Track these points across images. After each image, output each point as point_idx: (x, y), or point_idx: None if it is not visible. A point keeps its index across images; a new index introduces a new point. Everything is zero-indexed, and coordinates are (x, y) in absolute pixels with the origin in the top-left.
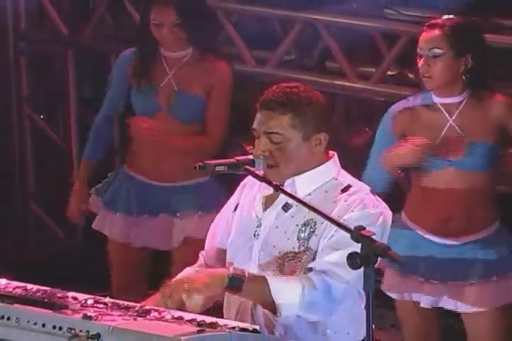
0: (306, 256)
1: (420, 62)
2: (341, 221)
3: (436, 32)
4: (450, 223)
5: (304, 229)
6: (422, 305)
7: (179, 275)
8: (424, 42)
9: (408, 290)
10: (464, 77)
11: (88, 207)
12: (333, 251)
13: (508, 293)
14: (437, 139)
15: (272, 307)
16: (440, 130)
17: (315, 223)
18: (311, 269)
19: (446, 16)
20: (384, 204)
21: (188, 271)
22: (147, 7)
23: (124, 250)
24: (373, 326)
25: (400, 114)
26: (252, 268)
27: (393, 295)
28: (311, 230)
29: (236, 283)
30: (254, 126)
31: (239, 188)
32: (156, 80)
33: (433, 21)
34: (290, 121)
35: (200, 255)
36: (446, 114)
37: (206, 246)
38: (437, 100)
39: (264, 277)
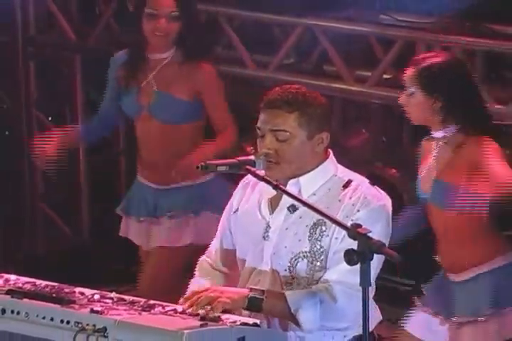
0: (318, 255)
1: (401, 97)
2: (339, 218)
3: (411, 70)
4: (447, 258)
5: (314, 229)
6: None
7: (195, 285)
8: (404, 80)
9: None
10: (438, 116)
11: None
12: None
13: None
14: (423, 170)
15: (295, 321)
16: (428, 162)
17: (325, 223)
18: (327, 279)
19: (429, 54)
20: (384, 194)
21: (198, 281)
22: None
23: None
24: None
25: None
26: (265, 269)
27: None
28: (322, 230)
29: (255, 303)
30: (259, 124)
31: (240, 187)
32: (139, 81)
33: (414, 59)
34: (297, 120)
35: (202, 261)
36: (434, 148)
37: (212, 247)
38: (432, 132)
39: (282, 294)
